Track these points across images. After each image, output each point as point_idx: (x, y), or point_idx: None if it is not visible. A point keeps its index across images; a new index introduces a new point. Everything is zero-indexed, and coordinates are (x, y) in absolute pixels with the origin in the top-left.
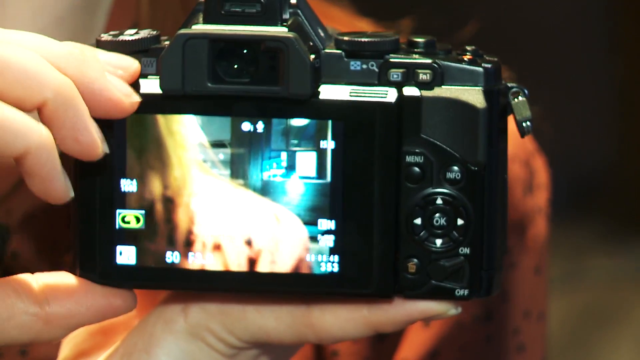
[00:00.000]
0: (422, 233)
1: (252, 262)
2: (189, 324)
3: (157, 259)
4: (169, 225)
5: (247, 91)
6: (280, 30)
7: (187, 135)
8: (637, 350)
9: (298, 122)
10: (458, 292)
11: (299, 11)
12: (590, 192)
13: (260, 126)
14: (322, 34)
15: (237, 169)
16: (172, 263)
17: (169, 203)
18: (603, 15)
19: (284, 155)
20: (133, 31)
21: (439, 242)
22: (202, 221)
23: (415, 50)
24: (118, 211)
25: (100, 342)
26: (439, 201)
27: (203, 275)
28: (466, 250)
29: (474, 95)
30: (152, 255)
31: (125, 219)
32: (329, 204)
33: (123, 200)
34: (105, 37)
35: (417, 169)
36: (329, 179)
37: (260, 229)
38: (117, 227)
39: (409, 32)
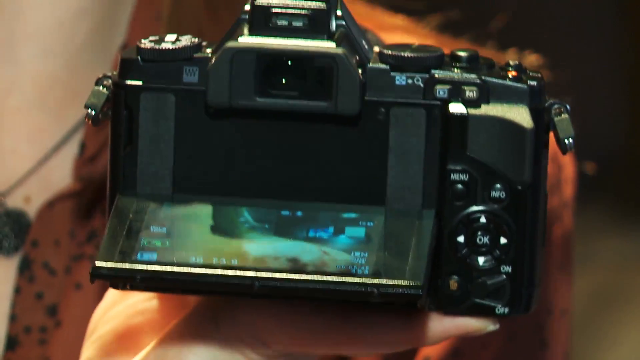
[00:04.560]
0: (464, 251)
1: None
2: (220, 332)
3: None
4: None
5: (294, 105)
6: (328, 45)
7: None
8: None
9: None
10: (498, 310)
11: (344, 22)
12: (600, 174)
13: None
14: (365, 46)
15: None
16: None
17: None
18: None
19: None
20: (174, 37)
21: (481, 260)
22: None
23: (459, 64)
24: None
25: (128, 345)
26: (483, 219)
27: (231, 278)
28: (508, 269)
29: (521, 114)
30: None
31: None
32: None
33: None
34: (146, 43)
35: (461, 186)
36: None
37: (306, 251)
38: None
39: (436, 27)
